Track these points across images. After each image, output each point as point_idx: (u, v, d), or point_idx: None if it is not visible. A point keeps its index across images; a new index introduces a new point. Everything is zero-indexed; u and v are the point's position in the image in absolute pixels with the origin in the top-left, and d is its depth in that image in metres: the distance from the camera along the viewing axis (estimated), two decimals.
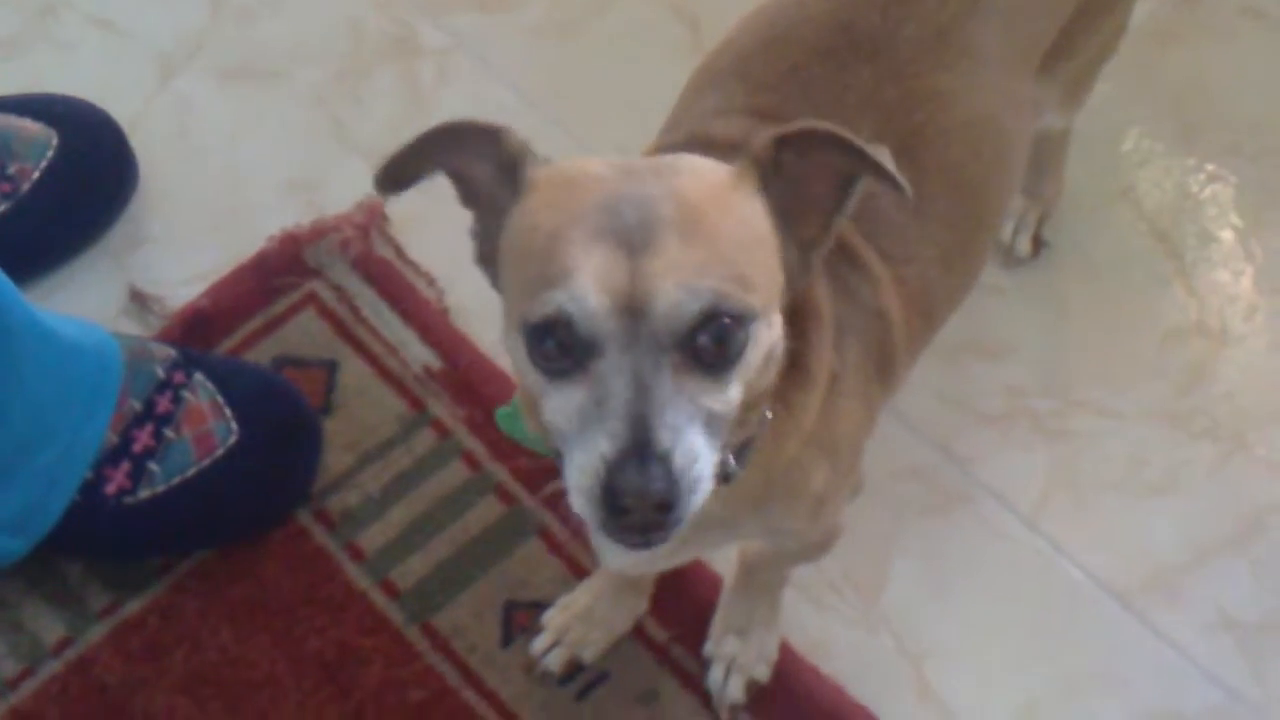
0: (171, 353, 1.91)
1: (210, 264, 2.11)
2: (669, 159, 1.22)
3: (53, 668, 1.84)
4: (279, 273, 2.09)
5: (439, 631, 1.87)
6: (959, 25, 1.48)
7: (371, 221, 2.13)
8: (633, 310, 1.10)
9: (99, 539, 1.86)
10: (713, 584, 1.89)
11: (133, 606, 1.87)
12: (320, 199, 2.18)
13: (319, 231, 2.12)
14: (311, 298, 2.08)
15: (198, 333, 2.04)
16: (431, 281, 2.11)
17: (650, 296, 1.10)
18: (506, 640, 1.87)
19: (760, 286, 1.15)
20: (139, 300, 2.09)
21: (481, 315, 2.07)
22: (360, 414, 2.00)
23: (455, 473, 1.96)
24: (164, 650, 1.85)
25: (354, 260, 2.10)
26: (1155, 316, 2.14)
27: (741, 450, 1.28)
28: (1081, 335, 2.12)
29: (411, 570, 1.90)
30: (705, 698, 1.84)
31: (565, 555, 1.91)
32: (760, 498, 1.39)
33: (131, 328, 2.06)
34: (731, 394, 1.14)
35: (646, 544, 1.13)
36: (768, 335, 1.17)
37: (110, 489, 1.83)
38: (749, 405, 1.21)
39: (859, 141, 1.15)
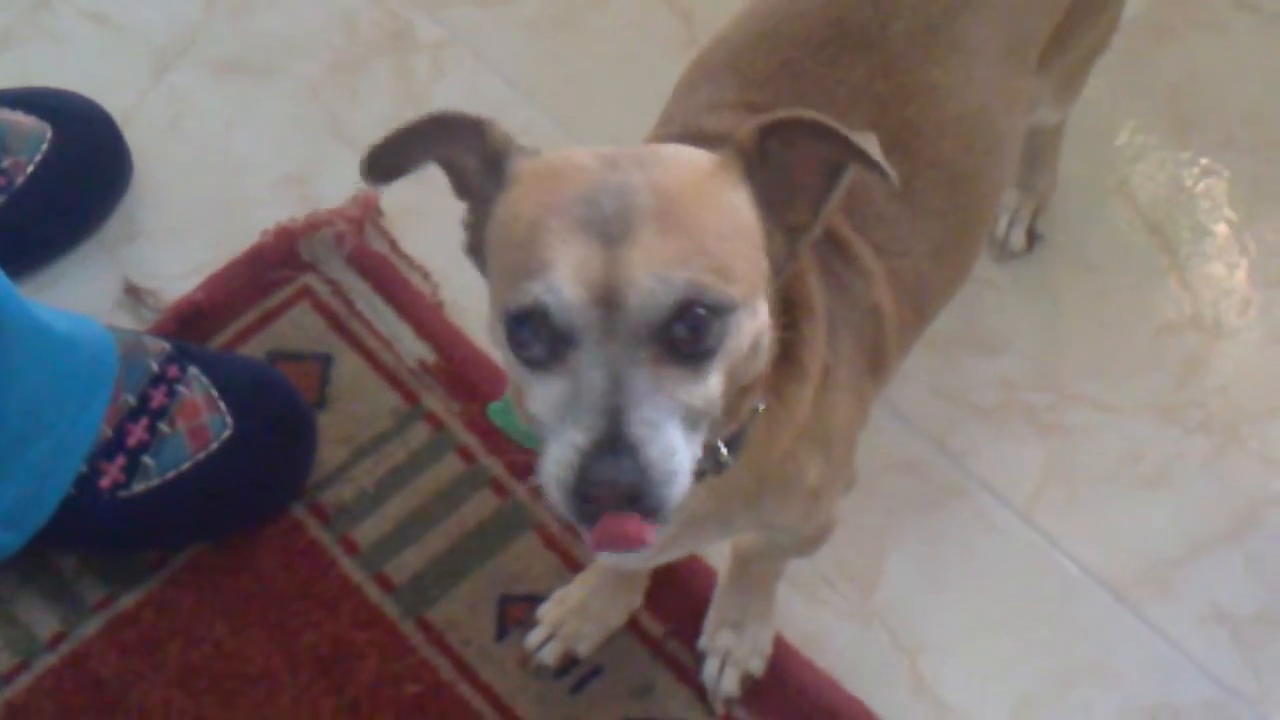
0: (166, 346, 1.91)
1: (205, 258, 2.10)
2: (654, 148, 1.22)
3: (47, 661, 1.84)
4: (273, 266, 2.09)
5: (434, 625, 1.87)
6: (950, 20, 1.48)
7: (366, 215, 2.13)
8: (608, 302, 1.09)
9: (93, 532, 1.86)
10: (707, 578, 1.89)
11: (127, 600, 1.87)
12: (315, 193, 2.18)
13: (313, 225, 2.12)
14: (306, 291, 2.08)
15: (192, 326, 2.04)
16: (426, 275, 2.11)
17: (625, 287, 1.09)
18: (501, 634, 1.87)
19: (742, 277, 1.14)
20: (133, 294, 2.09)
21: (476, 309, 2.06)
22: (355, 408, 2.00)
23: (450, 466, 1.96)
24: (158, 644, 1.85)
25: (349, 254, 2.10)
26: (1149, 310, 2.14)
27: (734, 441, 1.28)
28: (1076, 329, 2.12)
29: (406, 564, 1.90)
30: (700, 691, 1.84)
31: (560, 549, 1.91)
32: (754, 492, 1.39)
33: (126, 321, 2.06)
34: (711, 386, 1.14)
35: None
36: (751, 325, 1.16)
37: (105, 482, 1.83)
38: (740, 393, 1.21)
39: (843, 128, 1.15)
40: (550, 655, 1.84)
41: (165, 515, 1.86)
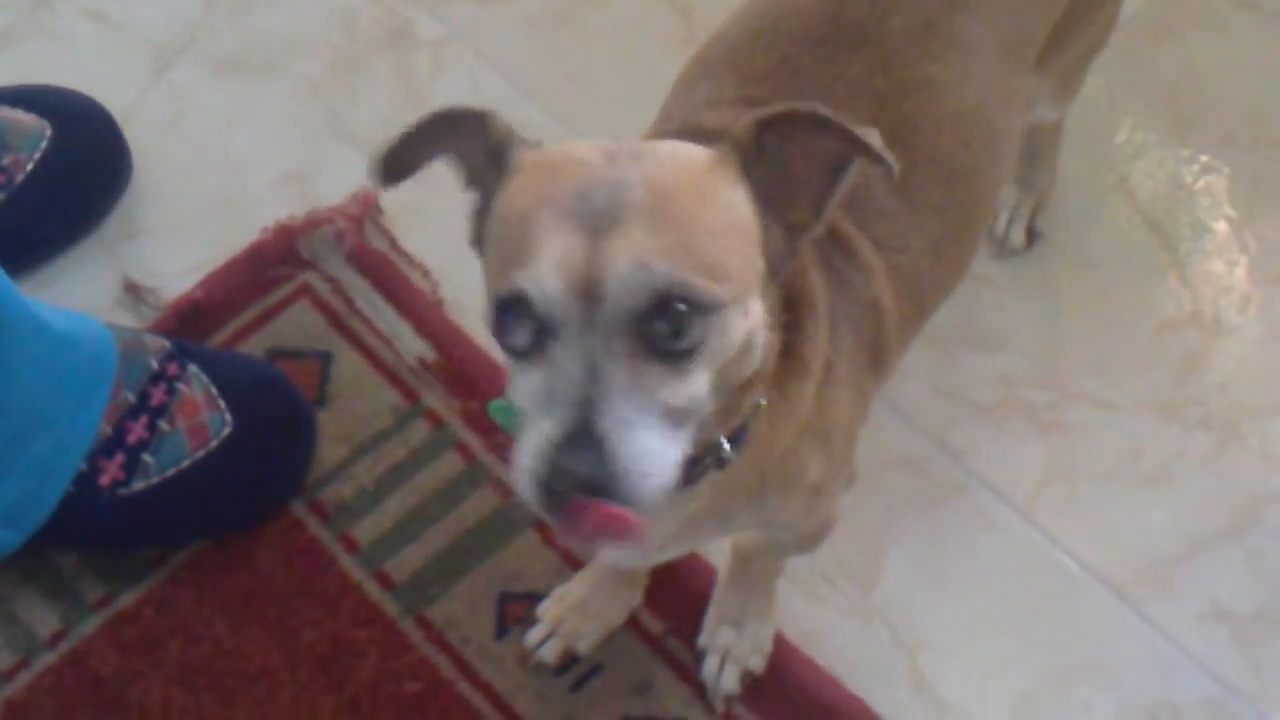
0: (165, 344, 1.91)
1: (204, 255, 2.10)
2: (653, 144, 1.21)
3: (47, 660, 1.84)
4: (273, 264, 2.09)
5: (433, 623, 1.87)
6: (946, 17, 1.48)
7: (366, 213, 2.13)
8: (589, 293, 1.09)
9: (93, 530, 1.86)
10: (707, 575, 1.89)
11: (127, 598, 1.87)
12: (314, 190, 2.17)
13: (313, 223, 2.12)
14: (306, 289, 2.08)
15: (192, 324, 2.03)
16: (426, 273, 2.11)
17: (605, 278, 1.09)
18: (501, 632, 1.87)
19: (734, 274, 1.13)
20: (133, 292, 2.09)
21: (476, 307, 2.03)
22: (354, 406, 2.00)
23: (450, 464, 1.96)
24: (158, 642, 1.85)
25: (348, 252, 2.10)
26: (1149, 307, 2.14)
27: (736, 437, 1.28)
28: (1075, 326, 2.12)
29: (406, 562, 1.90)
30: (700, 689, 1.84)
31: (560, 547, 1.91)
32: (756, 488, 1.39)
33: (125, 319, 2.06)
34: (694, 386, 1.13)
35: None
36: (743, 324, 1.15)
37: (104, 480, 1.83)
38: (740, 391, 1.21)
39: (840, 118, 1.14)
40: (550, 653, 1.84)
41: (165, 513, 1.86)
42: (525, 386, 1.13)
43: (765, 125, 1.17)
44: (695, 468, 1.26)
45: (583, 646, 1.85)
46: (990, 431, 2.03)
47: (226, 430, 1.87)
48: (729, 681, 1.83)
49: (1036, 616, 1.93)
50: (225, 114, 2.27)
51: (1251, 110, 2.29)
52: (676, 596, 1.89)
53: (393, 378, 2.01)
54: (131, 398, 1.85)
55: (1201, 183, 2.24)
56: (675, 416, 1.11)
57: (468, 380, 2.00)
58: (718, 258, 1.12)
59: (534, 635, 1.85)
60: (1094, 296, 2.14)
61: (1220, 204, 2.22)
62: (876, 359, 1.45)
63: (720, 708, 1.83)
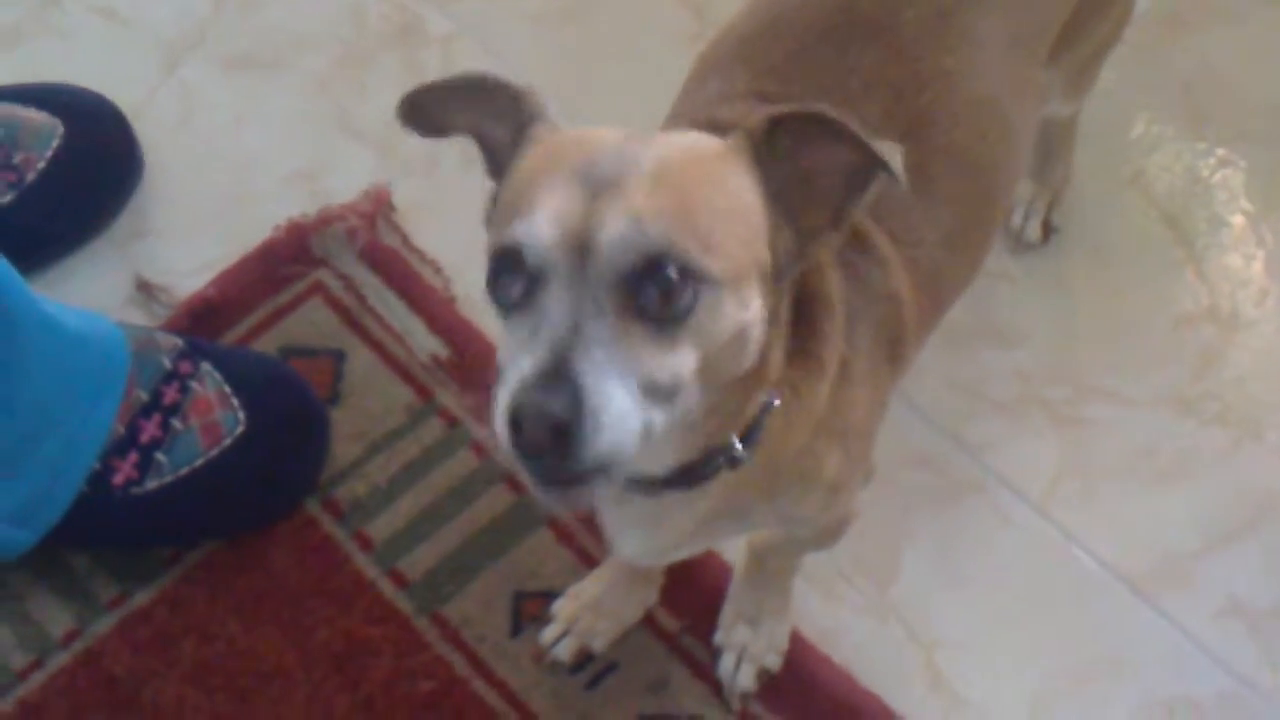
0: (178, 343, 1.91)
1: (216, 253, 2.10)
2: (670, 133, 1.23)
3: (61, 659, 1.83)
4: (285, 262, 2.09)
5: (448, 621, 1.86)
6: (960, 9, 1.47)
7: (378, 210, 2.13)
8: (582, 247, 1.10)
9: (107, 530, 1.85)
10: (723, 573, 1.88)
11: (141, 598, 1.87)
12: (325, 188, 2.17)
13: (325, 220, 2.11)
14: (318, 287, 2.07)
15: (204, 322, 2.03)
16: (438, 270, 2.10)
17: (599, 233, 1.09)
18: (516, 630, 1.86)
19: (729, 255, 1.13)
20: (145, 290, 2.09)
21: (488, 303, 2.05)
22: (368, 403, 1.99)
23: (463, 462, 1.96)
24: (172, 641, 1.85)
25: (360, 249, 2.09)
26: (1166, 302, 2.13)
27: (748, 437, 1.27)
28: (1092, 321, 2.12)
29: (420, 560, 1.90)
30: (716, 686, 1.84)
31: (575, 545, 1.91)
32: (770, 486, 1.38)
33: (137, 318, 2.05)
34: (680, 361, 1.12)
35: (561, 489, 1.11)
36: (737, 312, 1.14)
37: (118, 479, 1.82)
38: (740, 391, 1.21)
39: (852, 124, 1.14)
40: (565, 651, 1.84)
41: (178, 512, 1.86)
42: (512, 339, 1.13)
43: (778, 122, 1.17)
44: (707, 466, 1.26)
45: (598, 644, 1.84)
46: (1007, 428, 2.03)
47: (240, 428, 1.87)
48: (745, 679, 1.82)
49: (1053, 613, 1.92)
50: (235, 111, 2.26)
51: (1268, 104, 2.28)
52: (692, 594, 1.88)
53: (406, 375, 2.01)
54: (144, 396, 1.84)
55: (1218, 176, 2.23)
56: (655, 392, 1.10)
57: (481, 377, 1.99)
58: (715, 233, 1.12)
59: (549, 633, 1.85)
60: (1110, 291, 2.13)
61: (1237, 198, 2.21)
62: (894, 353, 1.45)
63: (736, 705, 1.83)
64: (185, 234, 2.15)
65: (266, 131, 2.24)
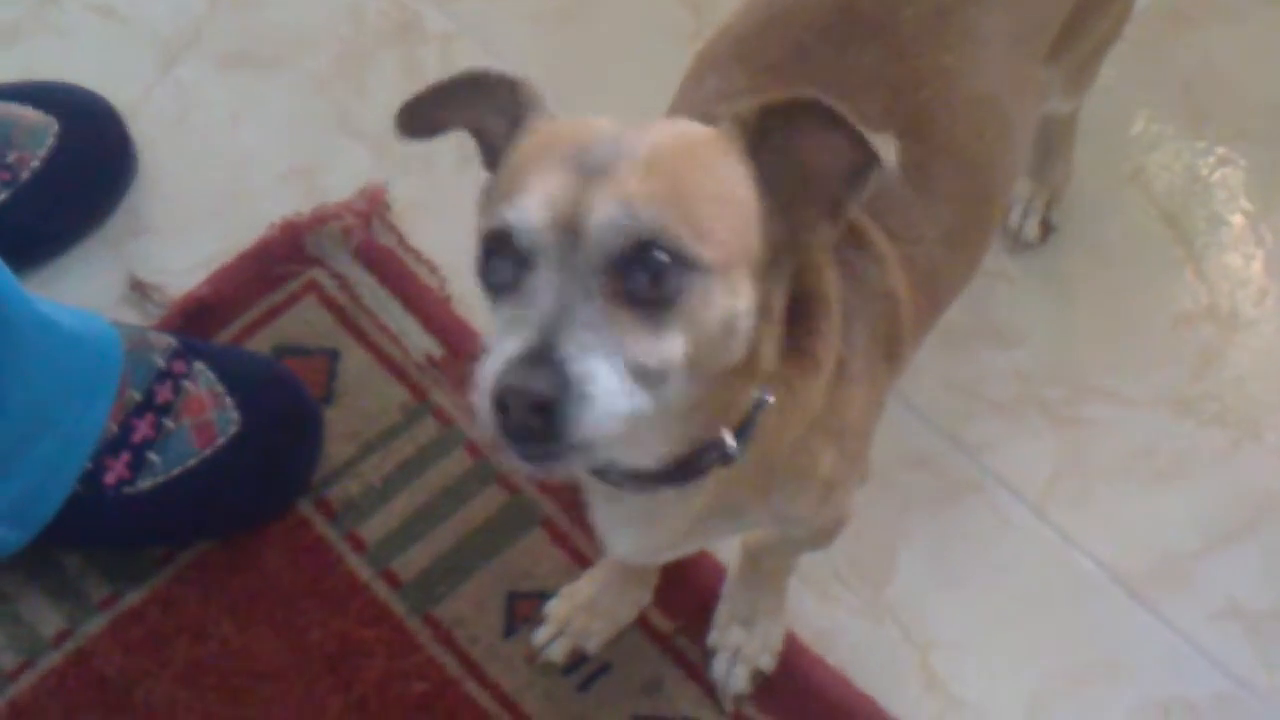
0: (171, 342, 1.90)
1: (210, 252, 2.09)
2: (669, 120, 1.23)
3: (52, 660, 1.83)
4: (280, 261, 2.08)
5: (441, 622, 1.86)
6: (960, 7, 1.47)
7: (373, 209, 2.12)
8: (572, 229, 1.10)
9: (99, 529, 1.85)
10: (717, 574, 1.88)
11: (132, 598, 1.86)
12: (321, 186, 2.16)
13: (320, 219, 2.11)
14: (312, 286, 2.07)
15: (198, 322, 2.03)
16: (433, 269, 2.10)
17: (589, 217, 1.10)
18: (509, 631, 1.86)
19: (720, 242, 1.13)
20: (139, 289, 2.08)
21: (483, 303, 2.05)
22: (362, 403, 1.99)
23: (457, 462, 1.95)
24: (164, 641, 1.84)
25: (355, 248, 2.09)
26: (1165, 301, 2.12)
27: (741, 433, 1.26)
28: (1090, 321, 2.11)
29: (413, 561, 1.89)
30: (709, 688, 1.83)
31: (568, 545, 1.90)
32: (765, 484, 1.38)
33: (131, 317, 2.05)
34: (668, 347, 1.11)
35: (541, 464, 1.11)
36: (727, 300, 1.14)
37: (110, 479, 1.82)
38: (731, 384, 1.20)
39: (844, 111, 1.13)
40: (558, 652, 1.83)
41: (171, 512, 1.85)
42: (500, 322, 1.13)
43: (770, 110, 1.17)
44: (699, 461, 1.25)
45: (591, 645, 1.84)
46: (1004, 428, 2.02)
47: (233, 428, 1.87)
48: (739, 681, 1.81)
49: (1050, 613, 1.91)
50: (232, 109, 2.26)
51: (1268, 103, 2.28)
52: (686, 595, 1.88)
53: (400, 375, 2.00)
54: (137, 395, 1.84)
55: (1217, 175, 2.22)
56: (642, 377, 1.10)
57: (476, 377, 1.98)
58: (705, 219, 1.12)
59: (542, 634, 1.84)
60: (1109, 291, 2.13)
61: (1236, 197, 2.20)
62: (891, 352, 1.44)
63: (730, 707, 1.82)
64: (180, 232, 2.14)
65: (263, 130, 2.24)
